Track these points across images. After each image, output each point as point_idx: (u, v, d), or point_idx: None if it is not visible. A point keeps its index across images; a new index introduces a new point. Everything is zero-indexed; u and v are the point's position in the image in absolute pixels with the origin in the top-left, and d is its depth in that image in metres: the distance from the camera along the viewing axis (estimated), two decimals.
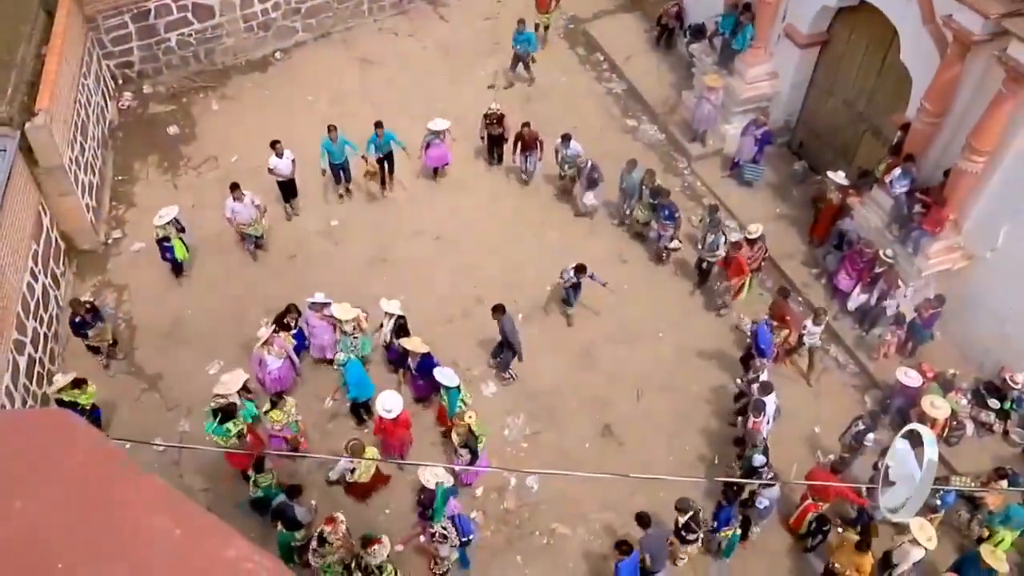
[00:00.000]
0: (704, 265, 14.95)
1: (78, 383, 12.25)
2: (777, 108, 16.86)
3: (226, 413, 11.57)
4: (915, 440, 6.76)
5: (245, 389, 12.25)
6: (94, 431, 2.65)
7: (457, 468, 11.88)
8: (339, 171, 15.95)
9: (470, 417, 11.90)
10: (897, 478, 6.40)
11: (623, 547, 10.60)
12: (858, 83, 15.30)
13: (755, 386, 12.71)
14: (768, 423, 12.39)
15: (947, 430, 12.72)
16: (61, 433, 2.41)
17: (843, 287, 14.47)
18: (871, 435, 12.02)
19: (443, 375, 12.38)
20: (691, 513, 11.17)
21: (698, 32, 17.75)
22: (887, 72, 14.49)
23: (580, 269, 13.97)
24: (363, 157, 15.89)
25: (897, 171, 13.51)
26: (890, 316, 13.83)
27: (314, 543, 10.83)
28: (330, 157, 15.62)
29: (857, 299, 14.22)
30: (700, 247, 14.82)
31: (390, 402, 12.07)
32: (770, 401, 12.40)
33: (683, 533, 11.28)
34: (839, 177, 14.89)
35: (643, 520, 11.02)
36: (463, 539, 11.15)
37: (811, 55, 15.96)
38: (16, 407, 12.33)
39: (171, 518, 2.18)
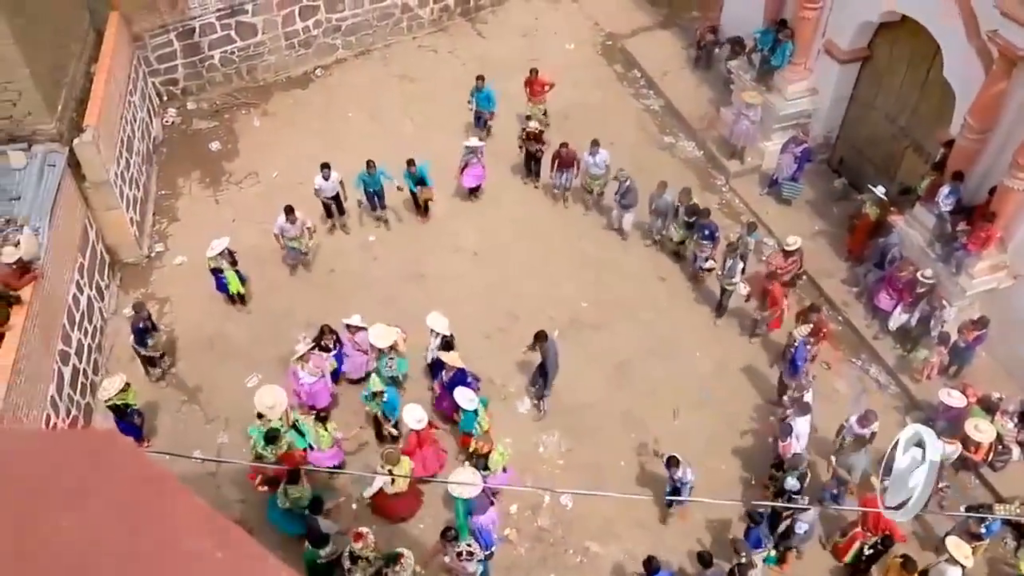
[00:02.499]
0: (723, 295, 14.73)
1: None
2: (817, 124, 16.71)
3: (270, 438, 11.73)
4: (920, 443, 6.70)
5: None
6: (139, 451, 2.70)
7: (487, 486, 11.79)
8: (374, 198, 16.06)
9: (495, 449, 12.05)
10: (899, 477, 6.34)
11: (650, 564, 10.54)
12: (900, 99, 15.12)
13: (790, 410, 12.56)
14: (800, 444, 12.22)
15: (992, 454, 12.45)
16: (107, 453, 2.44)
17: (884, 307, 14.24)
18: None
19: (462, 396, 12.27)
20: (744, 561, 10.99)
21: (737, 44, 17.67)
22: (930, 87, 14.31)
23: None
24: (398, 188, 16.01)
25: (946, 188, 13.30)
26: (933, 337, 13.58)
27: (347, 563, 10.82)
28: (365, 186, 15.77)
29: (898, 319, 13.99)
30: (720, 273, 14.58)
31: (419, 412, 12.15)
32: (803, 423, 12.23)
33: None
34: (878, 191, 14.72)
35: (704, 559, 10.88)
36: (485, 552, 11.13)
37: (852, 70, 15.81)
38: (60, 417, 12.59)
39: (214, 541, 2.20)
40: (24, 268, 12.20)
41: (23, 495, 2.28)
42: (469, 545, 10.82)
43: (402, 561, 10.65)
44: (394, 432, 12.94)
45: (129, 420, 12.64)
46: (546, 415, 13.74)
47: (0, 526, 2.16)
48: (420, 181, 16.00)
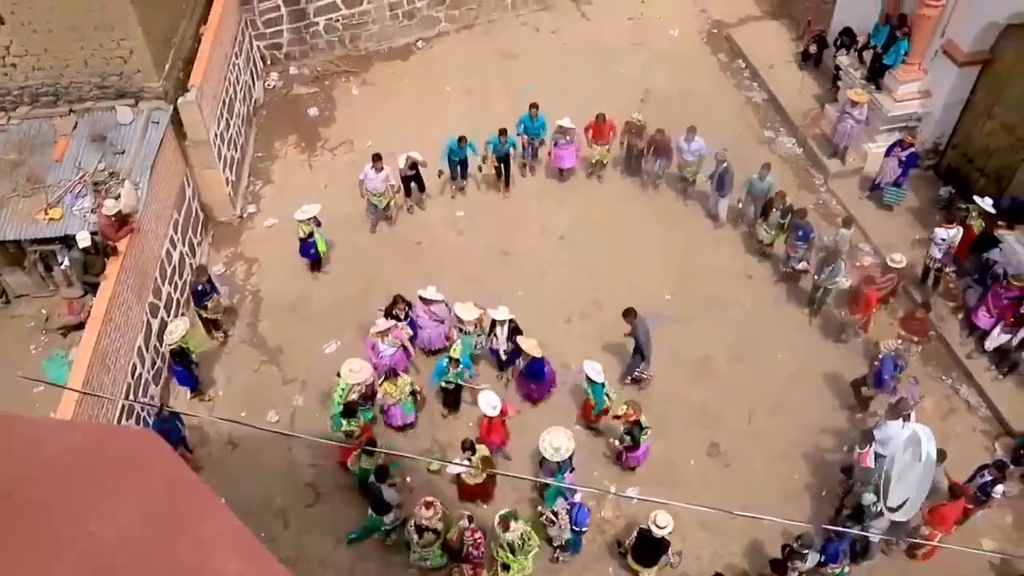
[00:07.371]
0: (819, 293, 14.23)
1: None
2: (927, 128, 15.95)
3: (349, 410, 11.88)
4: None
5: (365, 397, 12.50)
6: (176, 457, 2.69)
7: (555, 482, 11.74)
8: (456, 167, 16.13)
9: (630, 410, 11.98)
10: (899, 478, 6.13)
11: None
12: (1022, 107, 14.29)
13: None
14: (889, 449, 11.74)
15: None
16: (144, 455, 2.43)
17: (982, 324, 13.56)
18: (1000, 487, 11.23)
19: (591, 369, 12.40)
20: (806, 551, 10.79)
21: (847, 37, 16.94)
22: None
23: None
24: (483, 157, 16.04)
25: None
26: None
27: (413, 535, 10.94)
28: (451, 154, 15.86)
29: (996, 339, 13.28)
30: (817, 275, 14.04)
31: (494, 399, 12.16)
32: (895, 427, 11.71)
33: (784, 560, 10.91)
34: (985, 203, 13.99)
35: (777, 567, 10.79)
36: (575, 528, 11.22)
37: (970, 74, 15.02)
38: (145, 367, 13.03)
39: (242, 565, 2.16)
40: (122, 221, 12.62)
41: (54, 491, 2.28)
42: (554, 512, 10.99)
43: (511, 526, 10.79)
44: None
45: (187, 365, 13.01)
46: (648, 381, 13.68)
47: (28, 521, 2.17)
48: (505, 158, 16.06)
